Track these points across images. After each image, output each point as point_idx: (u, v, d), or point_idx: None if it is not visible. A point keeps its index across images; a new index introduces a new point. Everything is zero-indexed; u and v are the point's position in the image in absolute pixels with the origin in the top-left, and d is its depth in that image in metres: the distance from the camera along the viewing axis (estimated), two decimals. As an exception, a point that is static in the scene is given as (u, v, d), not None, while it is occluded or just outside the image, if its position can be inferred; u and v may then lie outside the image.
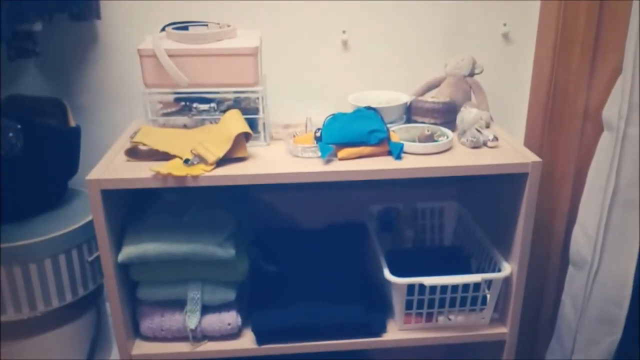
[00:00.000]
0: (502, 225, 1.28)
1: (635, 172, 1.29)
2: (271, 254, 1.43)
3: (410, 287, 1.23)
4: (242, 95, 1.25)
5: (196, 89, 1.22)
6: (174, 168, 1.10)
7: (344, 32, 1.49)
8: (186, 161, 1.11)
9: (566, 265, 1.50)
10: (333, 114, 1.24)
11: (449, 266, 1.31)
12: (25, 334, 1.34)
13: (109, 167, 1.13)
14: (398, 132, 1.25)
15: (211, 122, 1.25)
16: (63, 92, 1.48)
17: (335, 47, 1.51)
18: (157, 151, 1.15)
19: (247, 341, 1.26)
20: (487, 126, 1.33)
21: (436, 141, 1.22)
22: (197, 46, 1.20)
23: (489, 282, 1.26)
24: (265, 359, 1.28)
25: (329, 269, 1.40)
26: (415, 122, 1.33)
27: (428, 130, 1.23)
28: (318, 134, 1.20)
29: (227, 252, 1.17)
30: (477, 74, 1.41)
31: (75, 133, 1.40)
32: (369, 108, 1.25)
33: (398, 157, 1.17)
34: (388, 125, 1.22)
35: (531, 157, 1.17)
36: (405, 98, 1.36)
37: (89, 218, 1.33)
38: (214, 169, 1.12)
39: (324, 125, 1.22)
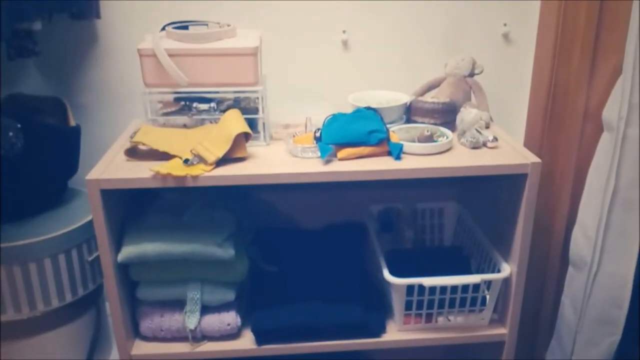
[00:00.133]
0: (502, 225, 1.28)
1: (635, 172, 1.29)
2: (271, 254, 1.43)
3: (410, 288, 1.23)
4: (242, 95, 1.25)
5: (196, 88, 1.22)
6: (174, 168, 1.09)
7: (344, 32, 1.49)
8: (186, 161, 1.11)
9: (566, 266, 1.50)
10: (333, 114, 1.24)
11: (449, 267, 1.31)
12: (25, 333, 1.33)
13: (109, 166, 1.13)
14: (398, 133, 1.25)
15: (211, 122, 1.25)
16: (63, 91, 1.48)
17: (335, 47, 1.51)
18: (156, 151, 1.15)
19: (246, 341, 1.26)
20: (487, 127, 1.33)
21: (436, 141, 1.22)
22: (197, 46, 1.20)
23: (489, 283, 1.26)
24: None
25: (328, 269, 1.39)
26: (415, 122, 1.33)
27: (428, 131, 1.23)
28: (318, 134, 1.20)
29: (227, 252, 1.17)
30: (477, 74, 1.41)
31: (75, 132, 1.40)
32: (368, 108, 1.25)
33: (398, 158, 1.17)
34: (388, 126, 1.22)
35: (531, 157, 1.17)
36: (405, 98, 1.36)
37: (89, 218, 1.33)
38: (213, 169, 1.12)
39: (323, 125, 1.21)
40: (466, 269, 1.39)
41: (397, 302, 1.26)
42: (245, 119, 1.19)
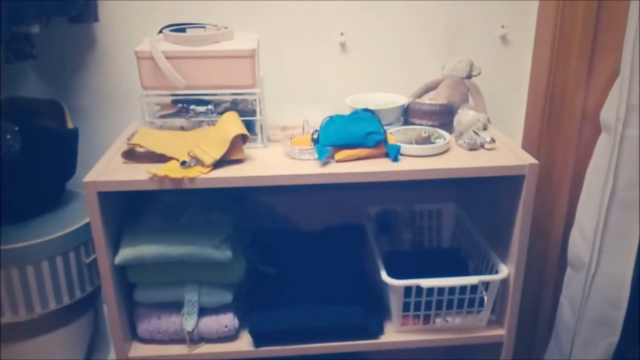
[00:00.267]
0: (500, 227, 1.28)
1: (633, 173, 1.29)
2: (269, 256, 1.43)
3: (408, 289, 1.23)
4: (240, 97, 1.25)
5: (193, 91, 1.22)
6: (171, 170, 1.10)
7: (341, 34, 1.49)
8: (183, 163, 1.11)
9: (564, 267, 1.51)
10: (330, 116, 1.24)
11: (447, 268, 1.31)
12: (23, 336, 1.33)
13: (106, 169, 1.13)
14: (395, 134, 1.25)
15: (208, 124, 1.25)
16: (61, 94, 1.48)
17: (333, 49, 1.51)
18: (154, 153, 1.15)
19: (244, 343, 1.26)
20: (485, 128, 1.33)
21: (433, 143, 1.22)
22: (195, 48, 1.20)
23: (487, 284, 1.26)
24: (262, 361, 1.29)
25: (326, 271, 1.39)
26: (413, 124, 1.33)
27: (425, 132, 1.23)
28: (315, 136, 1.20)
29: (224, 254, 1.17)
30: (475, 76, 1.41)
31: (73, 135, 1.40)
32: (366, 110, 1.25)
33: (395, 159, 1.17)
34: (385, 127, 1.22)
35: (528, 159, 1.17)
36: (402, 100, 1.36)
37: (86, 220, 1.32)
38: (210, 171, 1.12)
39: (321, 127, 1.22)
40: (464, 270, 1.39)
41: (395, 304, 1.26)
42: (243, 121, 1.19)
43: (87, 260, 1.36)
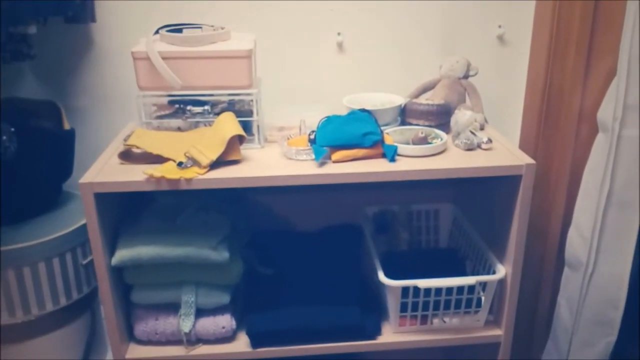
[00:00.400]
0: (497, 227, 1.28)
1: (631, 173, 1.29)
2: (266, 257, 1.42)
3: (405, 290, 1.23)
4: (236, 98, 1.25)
5: (190, 91, 1.22)
6: (168, 171, 1.09)
7: (339, 34, 1.49)
8: (180, 164, 1.11)
9: (562, 267, 1.51)
10: (327, 117, 1.24)
11: (444, 268, 1.31)
12: (19, 337, 1.33)
13: (102, 170, 1.13)
14: (392, 135, 1.25)
15: (205, 125, 1.25)
16: (58, 94, 1.48)
17: (330, 49, 1.51)
18: (150, 154, 1.15)
19: (241, 344, 1.26)
20: (482, 128, 1.34)
21: (430, 143, 1.22)
22: (191, 49, 1.20)
23: (484, 284, 1.26)
24: (259, 362, 1.28)
25: (324, 272, 1.39)
26: (410, 124, 1.32)
27: (422, 133, 1.23)
28: (312, 137, 1.20)
29: (221, 255, 1.17)
30: (472, 76, 1.41)
31: (70, 136, 1.40)
32: (363, 110, 1.25)
33: (392, 160, 1.17)
34: (382, 128, 1.22)
35: (525, 159, 1.17)
36: (399, 100, 1.36)
37: (83, 221, 1.32)
38: (207, 171, 1.11)
39: (318, 127, 1.21)
40: (461, 270, 1.39)
41: (393, 304, 1.26)
42: (240, 121, 1.19)
43: (84, 262, 1.36)
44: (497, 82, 1.57)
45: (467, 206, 1.49)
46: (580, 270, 1.41)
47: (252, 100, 1.23)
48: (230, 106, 1.26)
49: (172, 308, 1.23)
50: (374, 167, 1.15)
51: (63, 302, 1.34)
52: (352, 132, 1.18)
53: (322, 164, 1.16)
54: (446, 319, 1.30)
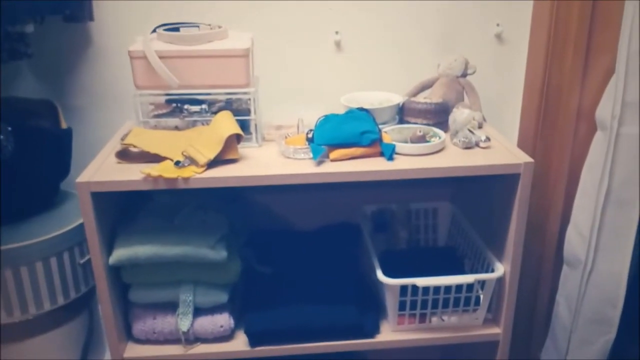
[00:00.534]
0: (496, 225, 1.28)
1: (629, 171, 1.29)
2: (264, 256, 1.42)
3: (403, 288, 1.23)
4: (234, 97, 1.25)
5: (187, 90, 1.22)
6: (165, 170, 1.09)
7: (336, 32, 1.49)
8: (177, 163, 1.11)
9: (560, 265, 1.51)
10: (325, 115, 1.23)
11: (443, 267, 1.30)
12: (17, 337, 1.33)
13: (100, 169, 1.13)
14: (390, 133, 1.25)
15: (202, 124, 1.25)
16: (55, 93, 1.48)
17: (328, 47, 1.51)
18: (148, 153, 1.15)
19: (239, 343, 1.26)
20: (480, 127, 1.33)
21: (428, 142, 1.22)
22: (188, 47, 1.19)
23: (482, 283, 1.26)
24: (258, 361, 1.28)
25: (322, 271, 1.39)
26: (408, 122, 1.32)
27: (420, 131, 1.23)
28: (310, 135, 1.20)
29: (219, 254, 1.17)
30: (470, 74, 1.41)
31: (67, 135, 1.39)
32: (361, 109, 1.25)
33: (390, 158, 1.16)
34: (380, 126, 1.22)
35: (523, 157, 1.17)
36: (397, 99, 1.36)
37: (81, 220, 1.32)
38: (205, 170, 1.11)
39: (316, 126, 1.21)
40: (460, 269, 1.39)
41: (391, 303, 1.26)
42: (237, 120, 1.19)
43: (82, 261, 1.36)
44: (495, 81, 1.56)
45: (466, 204, 1.49)
46: (579, 269, 1.41)
47: (249, 99, 1.23)
48: (228, 105, 1.26)
49: (170, 307, 1.23)
50: (372, 166, 1.14)
51: (61, 301, 1.34)
52: (350, 130, 1.18)
53: (320, 163, 1.16)
54: (445, 318, 1.30)
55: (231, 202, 1.33)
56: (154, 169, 1.09)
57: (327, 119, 1.23)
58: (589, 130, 1.39)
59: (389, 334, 1.29)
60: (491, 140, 1.24)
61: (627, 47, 1.22)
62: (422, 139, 1.22)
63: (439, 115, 1.31)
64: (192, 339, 1.24)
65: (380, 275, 1.22)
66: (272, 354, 1.26)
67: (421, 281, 1.22)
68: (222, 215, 1.24)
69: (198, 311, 1.23)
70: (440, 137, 1.23)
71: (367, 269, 1.35)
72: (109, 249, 1.17)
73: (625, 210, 1.32)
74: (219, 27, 1.26)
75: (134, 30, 1.40)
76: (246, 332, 1.25)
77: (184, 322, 1.21)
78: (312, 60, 1.51)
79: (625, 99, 1.25)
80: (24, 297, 1.29)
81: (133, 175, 1.10)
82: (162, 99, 1.25)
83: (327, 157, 1.17)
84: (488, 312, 1.31)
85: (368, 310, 1.30)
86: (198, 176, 1.10)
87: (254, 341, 1.25)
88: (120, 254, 1.15)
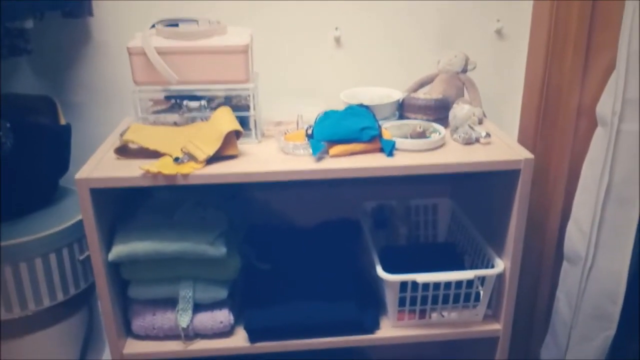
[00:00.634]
0: (496, 221, 1.28)
1: (630, 167, 1.29)
2: (264, 252, 1.42)
3: (403, 284, 1.23)
4: (233, 93, 1.25)
5: (186, 86, 1.21)
6: (164, 166, 1.09)
7: (336, 28, 1.48)
8: (176, 159, 1.11)
9: (560, 261, 1.50)
10: (324, 111, 1.23)
11: (443, 263, 1.31)
12: (17, 333, 1.33)
13: (99, 165, 1.13)
14: (390, 129, 1.25)
15: (202, 120, 1.24)
16: (54, 89, 1.47)
17: (328, 43, 1.50)
18: (147, 149, 1.14)
19: (239, 339, 1.26)
20: (480, 123, 1.33)
21: (428, 138, 1.21)
22: (187, 43, 1.19)
23: (482, 279, 1.26)
24: (258, 357, 1.28)
25: (322, 267, 1.39)
26: (408, 118, 1.32)
27: (420, 127, 1.23)
28: (309, 131, 1.20)
29: (218, 250, 1.17)
30: (470, 70, 1.41)
31: (66, 131, 1.39)
32: (360, 105, 1.25)
33: (390, 154, 1.16)
34: (380, 122, 1.21)
35: (523, 153, 1.16)
36: (397, 95, 1.36)
37: (80, 216, 1.32)
38: (204, 167, 1.11)
39: (315, 122, 1.21)
40: (460, 265, 1.39)
41: (391, 299, 1.26)
42: (237, 116, 1.18)
43: (81, 257, 1.36)
44: (496, 77, 1.56)
45: (466, 201, 1.49)
46: (579, 265, 1.41)
47: (249, 95, 1.23)
48: (227, 101, 1.25)
49: (170, 303, 1.23)
50: (372, 162, 1.14)
51: (60, 297, 1.34)
52: (350, 126, 1.17)
53: (319, 159, 1.15)
54: (445, 314, 1.30)
55: (230, 199, 1.33)
56: (153, 165, 1.08)
57: (327, 115, 1.22)
58: (589, 126, 1.39)
59: (388, 330, 1.29)
60: (491, 136, 1.24)
61: (627, 45, 1.22)
62: (422, 135, 1.22)
63: (439, 111, 1.30)
64: (192, 335, 1.24)
65: (380, 271, 1.22)
66: (272, 350, 1.26)
67: (421, 277, 1.22)
68: (221, 212, 1.24)
69: (197, 307, 1.23)
70: (440, 133, 1.23)
71: (367, 265, 1.35)
72: (108, 245, 1.17)
73: (625, 207, 1.32)
74: (218, 22, 1.25)
75: (133, 26, 1.40)
76: (246, 328, 1.25)
77: (184, 318, 1.21)
78: (312, 56, 1.51)
79: (626, 96, 1.24)
80: (23, 293, 1.29)
81: (132, 171, 1.09)
82: (161, 95, 1.24)
83: (327, 153, 1.17)
84: (488, 308, 1.31)
85: (368, 306, 1.30)
86: (197, 172, 1.09)
87: (253, 337, 1.25)
88: (120, 250, 1.15)
